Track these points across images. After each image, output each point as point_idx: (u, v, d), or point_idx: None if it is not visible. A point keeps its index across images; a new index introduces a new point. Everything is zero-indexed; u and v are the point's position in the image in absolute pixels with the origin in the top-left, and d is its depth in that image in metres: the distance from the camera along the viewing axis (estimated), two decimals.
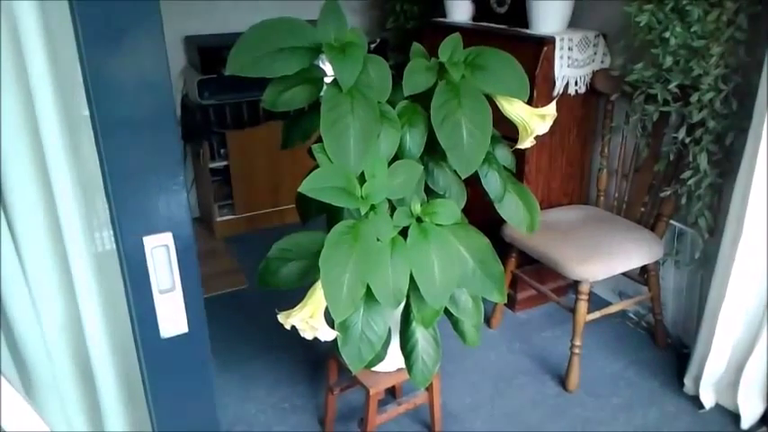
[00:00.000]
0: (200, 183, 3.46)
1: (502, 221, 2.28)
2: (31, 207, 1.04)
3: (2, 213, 1.01)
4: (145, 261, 0.93)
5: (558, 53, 2.34)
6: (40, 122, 0.96)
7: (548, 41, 2.33)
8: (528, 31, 2.44)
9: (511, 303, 2.71)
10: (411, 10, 3.21)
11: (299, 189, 1.27)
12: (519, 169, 2.37)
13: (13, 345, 1.09)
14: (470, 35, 1.49)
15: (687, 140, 2.11)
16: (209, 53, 3.07)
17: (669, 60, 2.05)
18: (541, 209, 1.70)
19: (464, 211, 1.59)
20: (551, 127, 1.55)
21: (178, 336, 0.98)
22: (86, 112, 0.86)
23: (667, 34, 2.01)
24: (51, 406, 1.12)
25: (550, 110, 1.48)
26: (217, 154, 3.29)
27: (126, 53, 0.84)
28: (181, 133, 3.23)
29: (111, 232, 0.93)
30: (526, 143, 1.54)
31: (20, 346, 1.08)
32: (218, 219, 3.36)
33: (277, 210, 3.42)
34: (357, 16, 3.58)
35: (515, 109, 1.50)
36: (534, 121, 1.49)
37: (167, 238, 0.93)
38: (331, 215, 1.58)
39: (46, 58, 0.92)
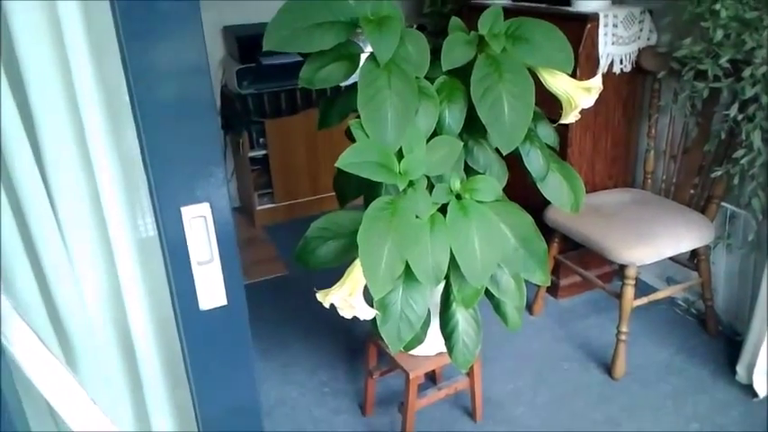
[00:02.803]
0: (239, 172, 3.49)
1: (543, 205, 2.24)
2: (73, 183, 1.04)
3: (44, 190, 1.02)
4: (183, 232, 0.92)
5: (602, 30, 2.27)
6: (83, 109, 0.96)
7: (591, 19, 2.26)
8: (570, 9, 2.38)
9: (553, 290, 2.65)
10: None
11: (337, 164, 1.26)
12: (562, 151, 2.32)
13: (55, 318, 1.10)
14: (510, 15, 1.45)
15: (739, 117, 2.02)
16: (247, 42, 3.08)
17: (720, 34, 1.96)
18: (586, 192, 1.65)
19: (504, 193, 1.55)
20: (595, 107, 1.50)
21: (217, 308, 0.98)
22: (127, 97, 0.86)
23: (718, 6, 1.93)
24: (93, 378, 1.13)
25: (596, 82, 1.43)
26: (256, 143, 3.31)
27: (165, 41, 0.83)
28: (220, 123, 3.26)
29: (152, 216, 0.93)
30: (570, 118, 1.49)
31: (62, 319, 1.09)
32: (258, 207, 3.38)
33: (316, 198, 3.43)
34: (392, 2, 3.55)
35: (559, 82, 1.45)
36: (579, 95, 1.44)
37: (205, 208, 0.93)
38: (369, 196, 1.56)
39: (87, 44, 0.92)
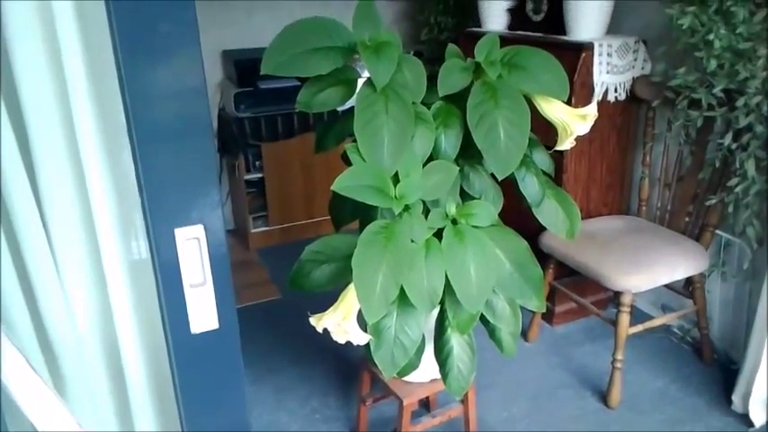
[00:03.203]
0: (235, 195, 3.48)
1: (538, 231, 2.24)
2: (66, 203, 1.03)
3: (37, 210, 1.01)
4: (176, 254, 0.92)
5: (596, 59, 2.30)
6: (78, 130, 0.96)
7: (586, 47, 2.29)
8: (565, 38, 2.41)
9: (548, 317, 2.64)
10: (445, 21, 3.20)
11: (332, 187, 1.25)
12: (557, 178, 2.32)
13: (44, 341, 1.08)
14: (506, 44, 1.47)
15: (733, 146, 2.03)
16: (245, 66, 3.10)
17: (713, 64, 1.99)
18: (581, 219, 1.66)
19: (499, 219, 1.55)
20: (590, 135, 1.51)
21: (208, 332, 0.96)
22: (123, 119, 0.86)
23: (711, 37, 1.95)
24: (81, 402, 1.11)
25: (591, 110, 1.44)
26: (252, 166, 3.31)
27: (163, 65, 0.84)
28: (217, 146, 3.27)
29: (145, 239, 0.92)
30: (566, 144, 1.50)
31: (51, 342, 1.08)
32: (253, 230, 3.37)
33: (311, 222, 3.42)
34: (390, 29, 3.59)
35: (554, 109, 1.46)
36: (574, 122, 1.45)
37: (199, 230, 0.92)
38: (364, 220, 1.56)
39: (84, 63, 0.92)
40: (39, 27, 0.91)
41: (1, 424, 1.05)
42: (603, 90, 2.35)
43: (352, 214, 1.64)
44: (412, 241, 1.35)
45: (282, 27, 1.37)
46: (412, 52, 3.39)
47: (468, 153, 1.49)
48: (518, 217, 1.61)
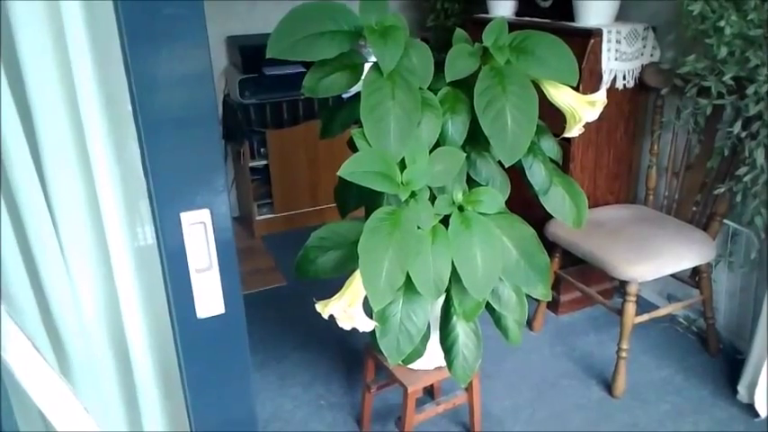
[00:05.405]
0: (240, 182, 3.48)
1: (544, 219, 2.23)
2: (72, 195, 1.03)
3: (43, 196, 1.01)
4: (182, 239, 0.91)
5: (605, 46, 2.27)
6: (84, 116, 0.95)
7: (595, 34, 2.26)
8: (574, 25, 2.38)
9: (553, 306, 2.63)
10: (452, 7, 3.17)
11: (339, 172, 1.24)
12: (564, 166, 2.31)
13: (51, 327, 1.08)
14: (514, 30, 1.45)
15: (743, 135, 2.01)
16: (250, 53, 3.09)
17: (724, 51, 1.96)
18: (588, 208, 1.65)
19: (505, 206, 1.54)
20: (597, 123, 1.49)
21: (214, 317, 0.96)
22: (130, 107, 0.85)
23: (722, 23, 1.93)
24: (88, 387, 1.11)
25: (600, 96, 1.42)
26: (257, 153, 3.30)
27: (169, 50, 0.83)
28: (222, 132, 3.26)
29: (151, 225, 0.92)
30: (574, 131, 1.48)
31: (58, 328, 1.08)
32: (258, 218, 3.37)
33: (316, 209, 3.42)
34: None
35: (563, 95, 1.45)
36: (583, 108, 1.43)
37: (205, 215, 0.91)
38: (370, 207, 1.55)
39: (90, 50, 0.91)
40: (45, 14, 0.91)
41: (4, 407, 1.05)
42: (612, 77, 2.33)
43: (358, 201, 1.63)
44: (418, 228, 1.35)
45: (288, 12, 1.35)
46: (418, 39, 3.37)
47: (476, 139, 1.48)
48: (524, 205, 1.60)
